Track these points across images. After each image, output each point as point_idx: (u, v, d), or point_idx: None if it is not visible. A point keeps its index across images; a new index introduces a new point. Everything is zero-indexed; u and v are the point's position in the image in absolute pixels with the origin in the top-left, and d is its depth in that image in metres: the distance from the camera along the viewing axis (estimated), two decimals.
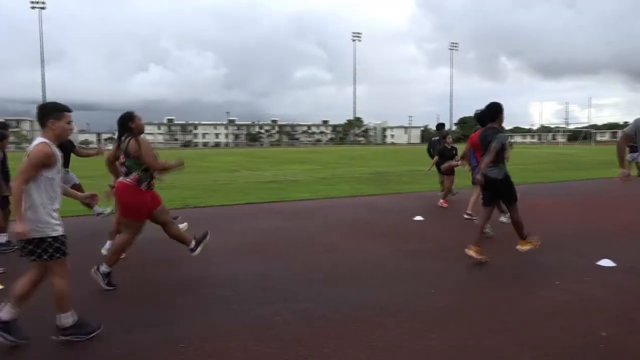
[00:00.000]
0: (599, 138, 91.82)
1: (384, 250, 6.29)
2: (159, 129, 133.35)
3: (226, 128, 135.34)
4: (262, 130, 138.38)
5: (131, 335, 3.63)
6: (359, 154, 42.01)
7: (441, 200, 9.93)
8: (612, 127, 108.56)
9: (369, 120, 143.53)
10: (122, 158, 4.72)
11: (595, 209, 9.74)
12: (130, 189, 4.65)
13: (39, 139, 3.47)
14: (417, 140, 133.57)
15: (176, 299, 4.45)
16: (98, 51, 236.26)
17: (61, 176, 3.63)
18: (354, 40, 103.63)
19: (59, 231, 3.44)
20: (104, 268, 4.65)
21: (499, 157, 5.51)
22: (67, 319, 3.48)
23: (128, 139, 4.68)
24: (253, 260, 5.86)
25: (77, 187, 7.11)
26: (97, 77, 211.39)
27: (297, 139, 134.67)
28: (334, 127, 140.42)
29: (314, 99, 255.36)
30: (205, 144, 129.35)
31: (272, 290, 4.65)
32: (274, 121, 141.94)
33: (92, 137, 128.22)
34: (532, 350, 3.28)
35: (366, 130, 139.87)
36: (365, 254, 6.07)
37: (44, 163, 3.36)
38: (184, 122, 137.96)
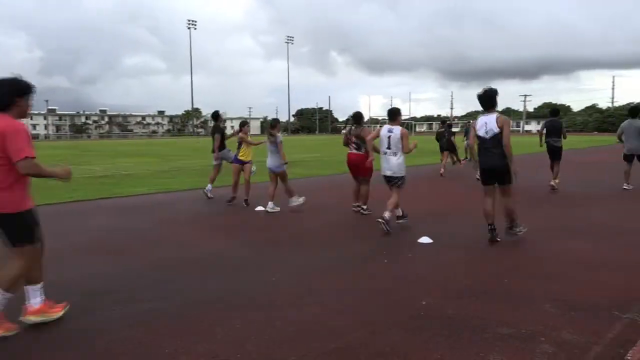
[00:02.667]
0: (418, 129, 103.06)
1: (228, 241, 6.28)
2: None
3: (45, 118, 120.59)
4: (90, 121, 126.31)
5: None
6: (202, 146, 40.86)
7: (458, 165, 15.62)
8: (428, 119, 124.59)
9: (208, 111, 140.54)
10: (353, 139, 7.87)
11: (421, 193, 10.93)
12: (362, 157, 7.73)
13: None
14: (257, 132, 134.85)
15: None
16: None
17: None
18: (189, 28, 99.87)
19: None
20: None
21: (563, 134, 10.35)
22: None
23: (360, 128, 7.95)
24: (89, 262, 5.39)
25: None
26: None
27: (131, 130, 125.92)
28: (171, 117, 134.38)
29: (148, 88, 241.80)
30: None
31: (111, 292, 4.32)
32: (103, 111, 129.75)
33: None
34: (369, 325, 3.58)
35: (205, 122, 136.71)
36: (209, 247, 5.99)
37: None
38: None
